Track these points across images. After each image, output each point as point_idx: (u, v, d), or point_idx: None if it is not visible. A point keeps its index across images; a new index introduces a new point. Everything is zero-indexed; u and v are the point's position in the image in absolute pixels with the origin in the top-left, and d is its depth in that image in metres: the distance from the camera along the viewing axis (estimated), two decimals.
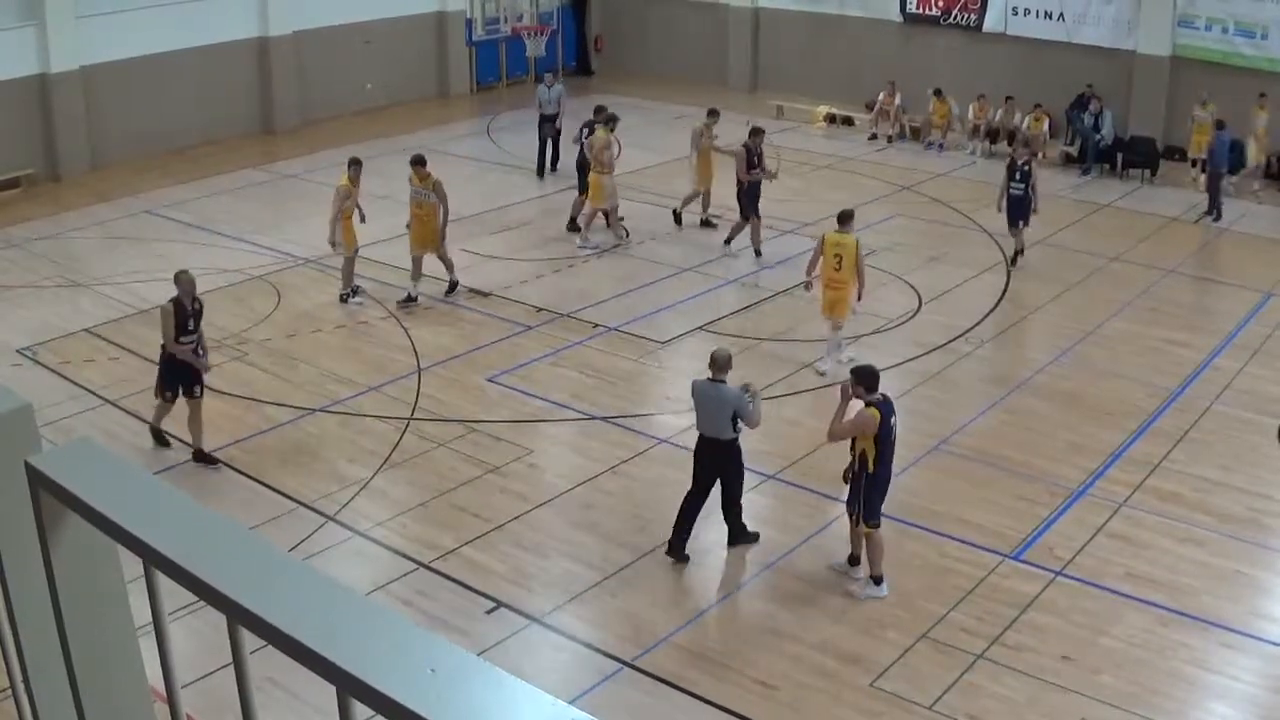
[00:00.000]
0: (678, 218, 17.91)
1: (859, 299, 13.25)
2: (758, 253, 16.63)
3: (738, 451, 9.69)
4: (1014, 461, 11.38)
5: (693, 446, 9.83)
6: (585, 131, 17.80)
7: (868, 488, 9.16)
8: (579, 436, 12.00)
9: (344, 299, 15.12)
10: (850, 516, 9.45)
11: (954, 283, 15.87)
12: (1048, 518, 10.43)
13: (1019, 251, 16.51)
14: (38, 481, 1.41)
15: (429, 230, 15.00)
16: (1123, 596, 9.33)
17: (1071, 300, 15.43)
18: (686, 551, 9.79)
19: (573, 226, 17.74)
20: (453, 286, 15.37)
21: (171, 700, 1.39)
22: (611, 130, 17.37)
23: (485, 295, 15.47)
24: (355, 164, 15.01)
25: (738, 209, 16.61)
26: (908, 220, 18.59)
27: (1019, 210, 16.20)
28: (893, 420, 9.13)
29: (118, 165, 21.10)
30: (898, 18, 25.05)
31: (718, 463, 9.65)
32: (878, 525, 9.29)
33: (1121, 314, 14.96)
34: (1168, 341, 14.16)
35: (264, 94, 23.84)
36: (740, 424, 9.49)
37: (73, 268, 16.65)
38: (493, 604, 9.23)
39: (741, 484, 9.87)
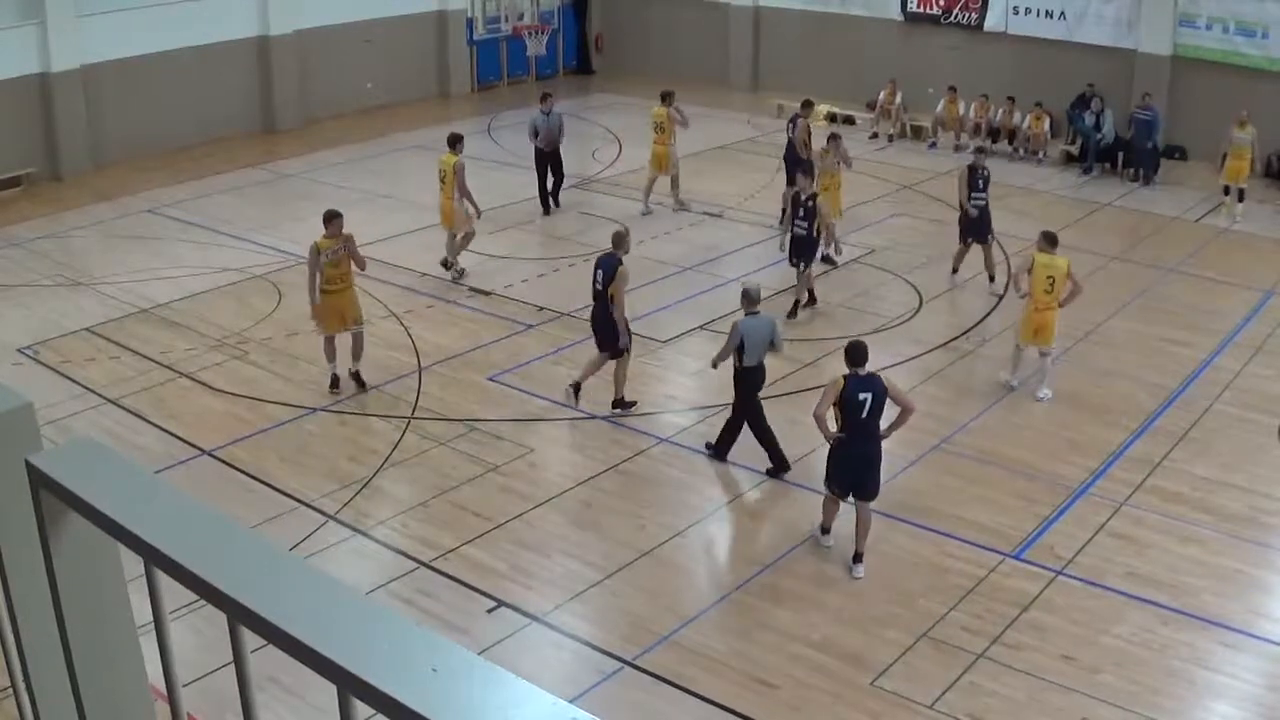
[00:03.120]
0: (828, 258, 16.07)
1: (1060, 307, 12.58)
2: (991, 278, 15.49)
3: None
4: (1015, 460, 11.38)
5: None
6: (791, 127, 17.81)
7: (831, 452, 9.74)
8: (580, 435, 12.00)
9: (461, 273, 15.88)
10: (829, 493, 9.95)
11: (955, 281, 15.86)
12: (1049, 517, 10.43)
13: (799, 301, 14.51)
14: (38, 480, 1.41)
15: (346, 300, 12.30)
16: (1124, 595, 9.33)
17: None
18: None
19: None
20: (334, 381, 12.54)
21: (172, 699, 1.39)
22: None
23: (486, 294, 15.47)
24: (459, 140, 15.54)
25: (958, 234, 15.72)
26: (909, 219, 18.58)
27: (798, 249, 14.37)
28: (862, 397, 9.37)
29: (119, 164, 21.10)
30: (898, 16, 25.04)
31: (758, 387, 11.10)
32: (827, 491, 9.87)
33: (1122, 313, 14.95)
34: (1168, 341, 14.15)
35: (265, 93, 23.85)
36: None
37: (74, 267, 16.65)
38: (493, 603, 9.24)
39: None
